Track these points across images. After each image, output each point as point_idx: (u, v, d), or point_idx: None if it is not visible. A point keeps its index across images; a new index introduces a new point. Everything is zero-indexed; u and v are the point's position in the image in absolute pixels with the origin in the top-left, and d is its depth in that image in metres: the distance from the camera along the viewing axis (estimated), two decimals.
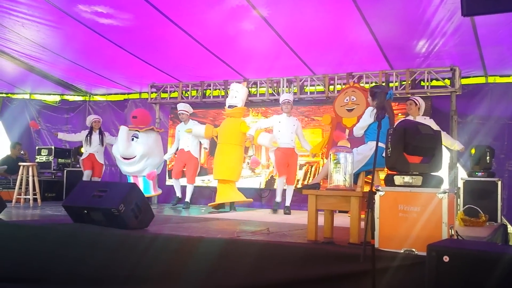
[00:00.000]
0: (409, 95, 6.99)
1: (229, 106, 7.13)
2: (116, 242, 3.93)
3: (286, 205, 6.86)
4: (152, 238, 3.86)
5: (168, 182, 8.64)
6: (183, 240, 3.76)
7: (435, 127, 5.71)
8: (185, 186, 7.66)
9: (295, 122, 6.96)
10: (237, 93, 7.13)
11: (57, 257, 4.06)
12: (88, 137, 8.01)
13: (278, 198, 6.90)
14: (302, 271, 3.25)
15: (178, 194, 7.64)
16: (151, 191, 7.73)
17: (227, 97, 7.48)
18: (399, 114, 6.87)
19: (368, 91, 5.75)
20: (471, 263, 2.52)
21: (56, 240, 4.14)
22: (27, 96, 10.17)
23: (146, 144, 7.50)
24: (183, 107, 7.60)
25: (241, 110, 7.18)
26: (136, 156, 7.42)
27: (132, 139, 7.54)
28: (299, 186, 7.73)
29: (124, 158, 7.47)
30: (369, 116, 4.69)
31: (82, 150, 8.19)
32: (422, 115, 6.36)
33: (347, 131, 6.59)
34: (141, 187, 7.37)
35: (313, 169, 7.70)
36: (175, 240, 3.79)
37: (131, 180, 7.64)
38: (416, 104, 6.26)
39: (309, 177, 7.74)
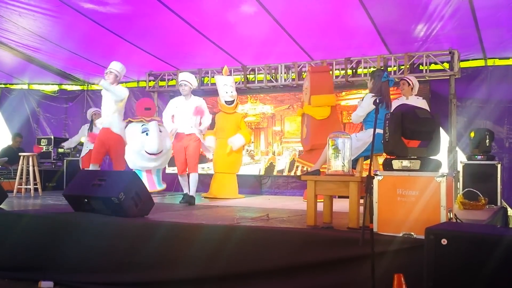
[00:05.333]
0: None
1: (226, 102, 7.06)
2: (116, 230, 3.95)
3: (190, 194, 5.99)
4: (152, 226, 3.89)
5: (168, 170, 8.58)
6: (183, 227, 3.79)
7: (426, 107, 5.69)
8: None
9: (197, 103, 6.16)
10: (232, 88, 7.06)
11: (58, 246, 4.10)
12: (89, 132, 7.69)
13: (187, 190, 6.14)
14: (302, 256, 3.27)
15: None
16: (162, 185, 7.24)
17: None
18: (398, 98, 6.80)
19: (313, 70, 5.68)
20: (469, 245, 2.52)
21: (57, 229, 4.18)
22: (25, 87, 10.13)
23: (168, 138, 6.76)
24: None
25: (237, 103, 7.21)
26: (163, 150, 6.74)
27: None
28: (299, 173, 7.74)
29: (151, 154, 6.66)
30: (368, 104, 4.59)
31: (82, 140, 8.12)
32: (416, 95, 6.28)
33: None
34: (156, 181, 7.03)
35: None
36: (175, 227, 3.81)
37: (143, 175, 6.87)
38: (409, 84, 6.17)
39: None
